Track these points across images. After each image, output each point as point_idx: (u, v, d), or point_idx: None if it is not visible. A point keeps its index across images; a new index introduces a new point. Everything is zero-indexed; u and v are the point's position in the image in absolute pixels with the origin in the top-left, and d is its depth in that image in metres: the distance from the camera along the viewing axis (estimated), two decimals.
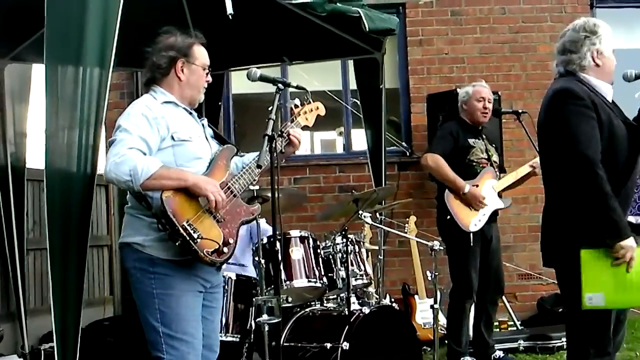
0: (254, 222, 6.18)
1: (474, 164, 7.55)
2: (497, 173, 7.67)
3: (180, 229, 4.29)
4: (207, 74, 4.85)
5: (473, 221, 7.37)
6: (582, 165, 4.55)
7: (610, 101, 4.77)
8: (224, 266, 4.87)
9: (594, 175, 4.50)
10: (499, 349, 7.89)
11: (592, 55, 4.78)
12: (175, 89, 4.74)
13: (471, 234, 7.29)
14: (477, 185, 7.44)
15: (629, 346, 8.33)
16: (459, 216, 7.35)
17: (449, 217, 7.37)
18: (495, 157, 7.77)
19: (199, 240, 4.34)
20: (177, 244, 4.33)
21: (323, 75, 10.57)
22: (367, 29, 7.41)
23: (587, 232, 4.60)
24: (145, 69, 4.84)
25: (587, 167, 4.53)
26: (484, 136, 7.75)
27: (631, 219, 4.79)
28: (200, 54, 4.81)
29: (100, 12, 4.81)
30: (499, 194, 7.64)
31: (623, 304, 4.73)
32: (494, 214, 7.63)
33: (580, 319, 4.72)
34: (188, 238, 4.30)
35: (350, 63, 9.43)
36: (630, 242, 4.47)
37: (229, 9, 6.00)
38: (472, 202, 7.37)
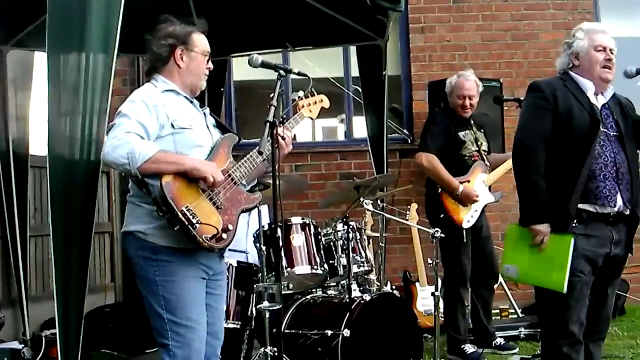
0: (256, 209, 6.24)
1: (466, 158, 7.60)
2: (488, 164, 7.72)
3: (179, 214, 4.29)
4: (207, 60, 4.83)
5: (466, 218, 7.45)
6: (518, 149, 5.11)
7: (592, 96, 5.12)
8: (226, 253, 4.87)
9: (526, 161, 5.03)
10: (500, 336, 7.90)
11: (569, 58, 5.21)
12: (176, 76, 4.73)
13: (464, 230, 7.36)
14: (468, 181, 7.50)
15: (629, 334, 8.35)
16: (452, 214, 7.44)
17: (442, 215, 7.45)
18: (484, 146, 7.81)
19: (197, 225, 4.33)
20: (175, 229, 4.32)
21: (325, 62, 10.56)
22: (370, 2, 7.33)
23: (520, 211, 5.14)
24: (145, 58, 4.84)
25: (521, 152, 5.08)
26: (472, 123, 7.77)
27: (588, 207, 4.98)
28: (200, 41, 4.80)
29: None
30: (489, 187, 7.71)
31: (533, 281, 5.14)
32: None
33: (540, 299, 5.17)
34: (187, 223, 4.30)
35: (353, 50, 9.45)
36: (542, 227, 4.95)
37: None
38: (466, 201, 7.44)
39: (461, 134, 7.60)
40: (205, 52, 4.80)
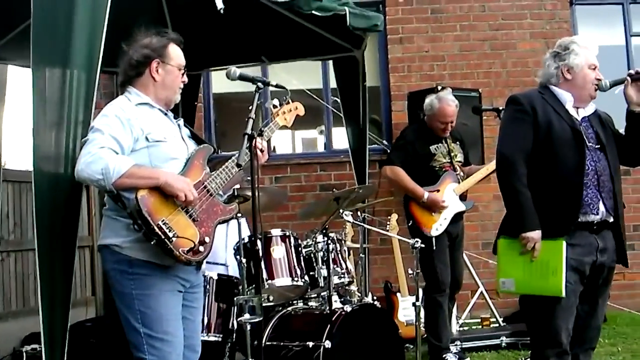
0: (236, 221, 6.23)
1: (437, 169, 7.70)
2: (462, 174, 7.81)
3: (155, 227, 4.27)
4: (182, 74, 4.81)
5: (434, 226, 7.55)
6: (500, 161, 5.15)
7: (572, 108, 5.16)
8: (205, 265, 4.85)
9: (508, 172, 5.05)
10: (482, 345, 7.93)
11: (561, 70, 5.19)
12: (150, 89, 4.70)
13: (433, 238, 7.42)
14: (438, 190, 7.60)
15: (610, 341, 8.41)
16: (420, 222, 7.58)
17: (410, 223, 7.62)
18: (459, 157, 7.90)
19: (174, 239, 4.32)
20: (152, 243, 4.31)
21: (303, 74, 10.58)
22: (351, 27, 7.42)
23: (508, 222, 5.19)
24: (120, 70, 4.82)
25: (503, 163, 5.11)
26: (447, 136, 7.83)
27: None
28: (176, 54, 4.78)
29: (88, 14, 4.84)
30: (464, 196, 7.82)
31: (532, 290, 5.05)
32: (460, 214, 7.81)
33: (527, 309, 5.20)
34: (163, 237, 4.28)
35: (331, 61, 9.43)
36: (533, 234, 4.94)
37: (219, 4, 5.98)
38: (433, 208, 7.55)
39: (433, 147, 7.71)
40: (180, 66, 4.79)
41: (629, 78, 5.14)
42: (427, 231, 7.48)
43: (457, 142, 7.97)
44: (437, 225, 7.54)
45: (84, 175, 4.31)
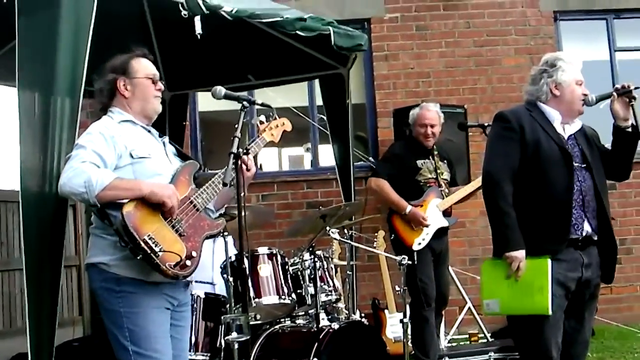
0: (222, 240, 6.23)
1: (421, 184, 7.78)
2: (446, 191, 7.88)
3: (142, 242, 4.26)
4: (155, 82, 4.79)
5: (417, 240, 7.63)
6: (486, 180, 5.15)
7: (559, 126, 5.19)
8: (192, 284, 4.85)
9: (493, 190, 5.06)
10: None
11: (549, 87, 5.19)
12: (126, 107, 4.72)
13: (415, 253, 7.44)
14: (421, 205, 7.68)
15: (598, 355, 8.42)
16: (402, 235, 7.69)
17: (392, 236, 7.74)
18: (445, 175, 7.97)
19: (160, 253, 4.31)
20: (138, 258, 4.29)
21: (289, 92, 10.58)
22: (336, 46, 7.45)
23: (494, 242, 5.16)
24: (95, 101, 4.84)
25: (489, 182, 5.11)
26: (435, 153, 7.91)
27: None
28: (140, 65, 4.77)
29: (71, 39, 4.92)
30: (448, 212, 7.87)
31: (516, 310, 5.06)
32: (445, 229, 7.88)
33: (515, 327, 5.19)
34: (149, 251, 4.27)
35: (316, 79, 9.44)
36: (517, 253, 4.92)
37: (198, 29, 6.01)
38: (414, 222, 7.63)
39: (419, 161, 7.80)
40: (148, 75, 4.77)
41: (615, 93, 5.14)
42: (409, 245, 7.54)
43: (445, 161, 8.03)
44: (420, 240, 7.61)
45: (67, 189, 4.31)
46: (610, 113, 5.21)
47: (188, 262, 4.45)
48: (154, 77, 4.80)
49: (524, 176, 5.04)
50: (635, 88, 5.16)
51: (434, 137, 7.89)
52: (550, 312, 4.85)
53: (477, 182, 7.70)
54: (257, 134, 5.24)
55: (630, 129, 5.15)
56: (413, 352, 7.52)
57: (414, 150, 7.87)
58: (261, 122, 5.32)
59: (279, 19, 6.88)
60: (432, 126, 7.82)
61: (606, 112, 5.23)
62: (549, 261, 4.88)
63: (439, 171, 7.81)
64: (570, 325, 5.12)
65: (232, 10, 6.35)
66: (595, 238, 5.11)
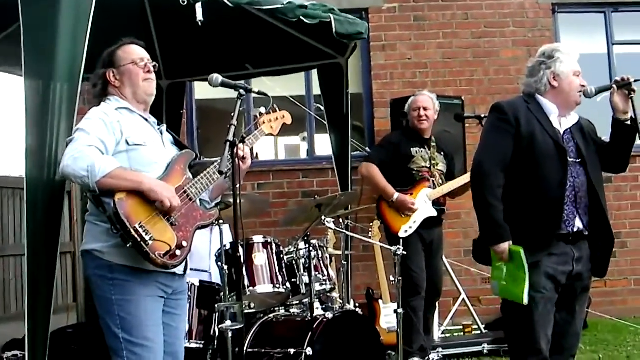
0: (218, 228, 6.23)
1: (414, 172, 7.76)
2: (440, 181, 7.87)
3: (132, 230, 4.27)
4: (143, 65, 4.77)
5: (403, 228, 7.64)
6: (475, 171, 5.13)
7: (556, 120, 5.17)
8: (188, 272, 4.85)
9: (481, 183, 5.05)
10: (463, 352, 7.93)
11: (547, 79, 5.17)
12: (121, 95, 4.74)
13: (401, 240, 7.33)
14: (411, 193, 7.67)
15: (592, 348, 8.44)
16: (390, 222, 7.70)
17: (380, 222, 7.76)
18: (440, 166, 7.94)
19: (150, 242, 4.31)
20: (128, 245, 4.30)
21: (286, 81, 10.56)
22: (337, 34, 7.43)
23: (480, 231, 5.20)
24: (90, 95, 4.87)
25: (478, 173, 5.10)
26: (432, 144, 7.91)
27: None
28: (126, 53, 4.77)
29: (71, 27, 4.95)
30: (441, 203, 7.88)
31: (505, 295, 5.11)
32: (438, 220, 7.89)
33: (507, 317, 5.22)
34: (139, 240, 4.28)
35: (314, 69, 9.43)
36: (502, 246, 4.98)
37: (199, 16, 6.00)
38: (401, 209, 7.63)
39: (414, 149, 7.78)
40: (134, 60, 4.75)
41: (615, 85, 5.12)
42: (395, 232, 7.56)
43: (442, 153, 8.00)
44: (407, 227, 7.62)
45: (69, 171, 4.31)
46: (607, 106, 5.20)
47: (178, 252, 4.45)
48: (140, 61, 4.77)
49: (518, 170, 5.02)
50: (635, 81, 5.13)
51: (428, 121, 7.86)
52: (525, 302, 4.86)
53: (466, 177, 7.73)
54: (256, 126, 5.24)
55: (629, 122, 5.14)
56: None
57: (410, 138, 7.86)
58: (260, 114, 5.32)
59: (279, 5, 6.86)
60: (425, 109, 7.81)
61: (603, 105, 5.23)
62: (522, 251, 4.88)
63: (433, 162, 7.79)
64: (562, 317, 5.13)
65: None
66: (586, 233, 5.10)
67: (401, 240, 7.29)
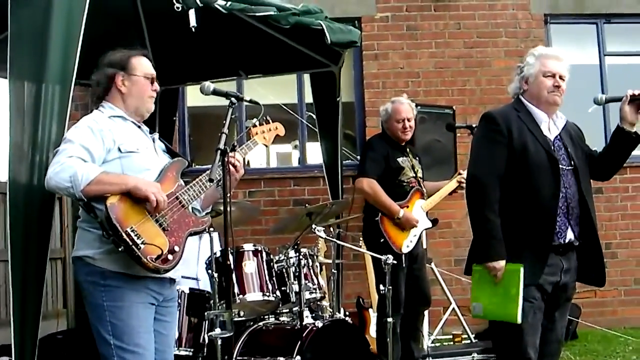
0: (207, 235, 6.23)
1: (404, 184, 7.68)
2: (424, 190, 7.82)
3: (124, 234, 4.28)
4: (152, 82, 4.84)
5: (405, 243, 7.51)
6: (471, 184, 5.11)
7: (546, 128, 5.16)
8: (177, 279, 4.85)
9: (479, 197, 5.01)
10: None
11: (520, 83, 5.26)
12: (120, 103, 4.75)
13: (404, 255, 7.38)
14: (407, 206, 7.59)
15: (581, 358, 8.47)
16: (392, 239, 7.48)
17: (382, 240, 7.46)
18: (420, 173, 7.89)
19: (142, 246, 4.32)
20: (120, 249, 4.31)
21: (278, 89, 10.58)
22: (329, 42, 7.43)
23: (476, 248, 5.17)
24: (90, 90, 4.86)
25: (475, 187, 5.07)
26: (408, 150, 7.85)
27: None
28: (140, 64, 4.81)
29: (63, 30, 4.93)
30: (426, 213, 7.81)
31: (493, 317, 5.09)
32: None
33: (495, 326, 5.17)
34: (131, 244, 4.29)
35: (306, 77, 9.44)
36: (497, 264, 4.95)
37: (193, 22, 6.01)
38: (406, 226, 7.52)
39: (399, 160, 7.69)
40: (147, 75, 4.81)
41: (628, 96, 5.12)
42: (398, 248, 7.42)
43: (417, 158, 7.97)
44: (408, 242, 7.51)
45: (52, 184, 4.34)
46: (597, 117, 5.22)
47: (170, 257, 4.46)
48: (152, 77, 4.83)
49: (510, 181, 5.00)
50: None
51: (411, 131, 7.79)
52: (519, 321, 4.85)
53: (455, 183, 7.73)
54: (249, 136, 5.25)
55: (633, 134, 5.16)
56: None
57: (393, 147, 7.76)
58: (254, 126, 5.33)
59: (272, 13, 6.86)
60: (408, 119, 7.72)
61: (594, 116, 5.25)
62: (522, 269, 4.87)
63: (415, 169, 7.75)
64: (543, 324, 5.11)
65: (226, 4, 6.34)
66: (577, 244, 5.11)
67: (403, 256, 7.28)
